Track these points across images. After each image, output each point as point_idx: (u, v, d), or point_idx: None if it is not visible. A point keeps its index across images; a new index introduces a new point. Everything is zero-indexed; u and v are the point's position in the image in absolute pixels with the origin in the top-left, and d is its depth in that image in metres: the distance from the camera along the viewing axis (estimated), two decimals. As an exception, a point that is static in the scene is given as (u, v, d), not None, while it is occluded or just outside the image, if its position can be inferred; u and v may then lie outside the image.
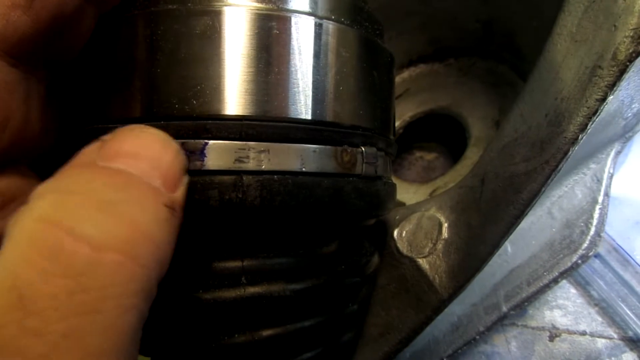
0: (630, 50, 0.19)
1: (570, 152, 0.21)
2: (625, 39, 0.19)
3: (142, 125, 0.19)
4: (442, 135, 0.47)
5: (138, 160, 0.18)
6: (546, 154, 0.22)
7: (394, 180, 0.46)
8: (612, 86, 0.19)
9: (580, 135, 0.20)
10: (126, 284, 0.16)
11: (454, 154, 0.46)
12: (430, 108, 0.46)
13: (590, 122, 0.20)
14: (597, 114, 0.20)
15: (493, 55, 0.43)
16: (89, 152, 0.18)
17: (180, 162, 0.19)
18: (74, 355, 0.14)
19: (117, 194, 0.17)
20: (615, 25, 0.19)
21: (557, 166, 0.21)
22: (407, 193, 0.42)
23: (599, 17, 0.20)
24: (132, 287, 0.16)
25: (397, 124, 0.47)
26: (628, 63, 0.19)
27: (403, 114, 0.47)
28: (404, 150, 0.49)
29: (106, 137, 0.19)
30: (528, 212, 0.23)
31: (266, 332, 0.23)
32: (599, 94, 0.20)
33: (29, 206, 0.16)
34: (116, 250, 0.15)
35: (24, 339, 0.14)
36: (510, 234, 0.24)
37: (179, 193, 0.19)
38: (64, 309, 0.14)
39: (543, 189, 0.22)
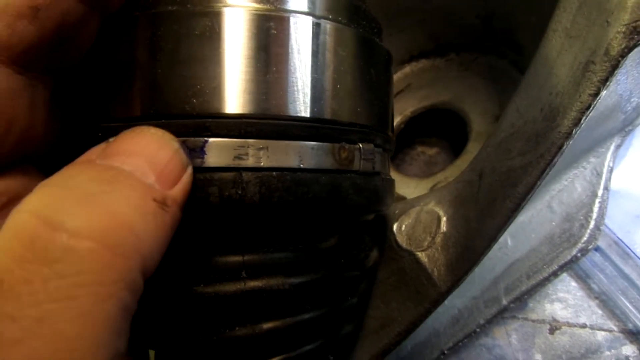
0: (623, 46, 0.19)
1: (564, 146, 0.21)
2: (617, 35, 0.19)
3: (144, 127, 0.20)
4: (444, 130, 0.47)
5: (132, 158, 0.18)
6: (541, 147, 0.22)
7: (395, 175, 0.46)
8: (604, 81, 0.19)
9: (574, 130, 0.21)
10: (102, 272, 0.16)
11: (456, 148, 0.46)
12: (431, 103, 0.46)
13: (584, 117, 0.20)
14: (591, 108, 0.20)
15: (493, 50, 0.43)
16: (92, 151, 0.19)
17: (178, 160, 0.20)
18: (46, 340, 0.15)
19: (100, 187, 0.17)
20: (607, 21, 0.19)
21: (552, 160, 0.21)
22: (407, 188, 0.42)
23: (592, 13, 0.20)
24: (109, 276, 0.16)
25: (399, 119, 0.47)
26: (620, 58, 0.19)
27: (405, 109, 0.47)
28: (406, 145, 0.49)
29: (112, 138, 0.19)
30: (524, 205, 0.24)
31: (266, 325, 0.23)
32: (592, 89, 0.20)
33: (23, 200, 0.17)
34: (91, 238, 0.16)
35: None
36: (507, 227, 0.25)
37: (176, 190, 0.19)
38: (38, 295, 0.15)
39: (539, 183, 0.22)
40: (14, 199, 0.21)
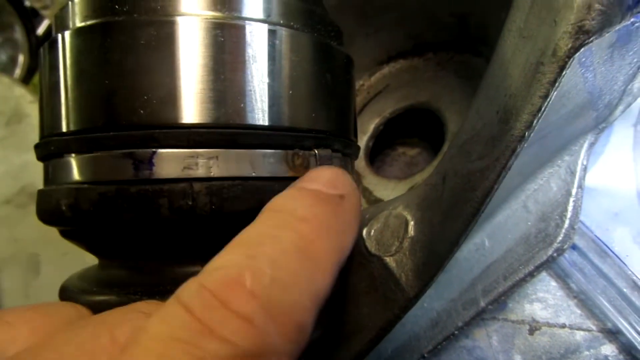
0: (569, 46, 0.19)
1: (518, 149, 0.21)
2: (564, 35, 0.19)
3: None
4: (424, 130, 0.47)
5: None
6: (497, 151, 0.22)
7: (373, 177, 0.46)
8: (553, 83, 0.19)
9: (526, 133, 0.20)
10: None
11: (436, 149, 0.46)
12: (410, 103, 0.46)
13: (536, 120, 0.20)
14: (542, 111, 0.20)
15: (469, 49, 0.42)
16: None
17: None
18: None
19: None
20: (555, 21, 0.19)
21: (506, 163, 0.21)
22: (386, 190, 0.42)
23: (542, 12, 0.20)
24: None
25: (377, 120, 0.47)
26: (567, 59, 0.19)
27: (383, 110, 0.47)
28: (387, 146, 0.49)
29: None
30: (484, 209, 0.23)
31: (225, 336, 0.23)
32: (542, 91, 0.19)
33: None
34: None
35: None
36: (469, 232, 0.24)
37: None
38: None
39: (496, 187, 0.22)
40: None
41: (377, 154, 0.48)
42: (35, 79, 0.86)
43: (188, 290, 0.16)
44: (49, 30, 0.87)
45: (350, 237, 0.20)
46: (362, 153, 0.46)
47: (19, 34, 0.86)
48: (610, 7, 0.18)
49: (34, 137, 0.25)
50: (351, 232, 0.20)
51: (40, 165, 0.25)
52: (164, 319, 0.16)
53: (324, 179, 0.20)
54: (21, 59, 0.86)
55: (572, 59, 0.18)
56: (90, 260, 0.27)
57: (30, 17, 0.84)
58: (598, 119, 0.33)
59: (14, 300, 0.48)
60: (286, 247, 0.17)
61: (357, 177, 0.43)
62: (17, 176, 0.56)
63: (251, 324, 0.15)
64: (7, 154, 0.59)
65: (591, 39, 0.18)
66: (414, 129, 0.48)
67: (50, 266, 0.48)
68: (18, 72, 0.86)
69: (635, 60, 0.30)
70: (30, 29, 0.85)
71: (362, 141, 0.46)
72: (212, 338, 0.14)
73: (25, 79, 0.84)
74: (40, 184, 0.25)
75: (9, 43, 0.88)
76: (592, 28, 0.18)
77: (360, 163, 0.45)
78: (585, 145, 0.33)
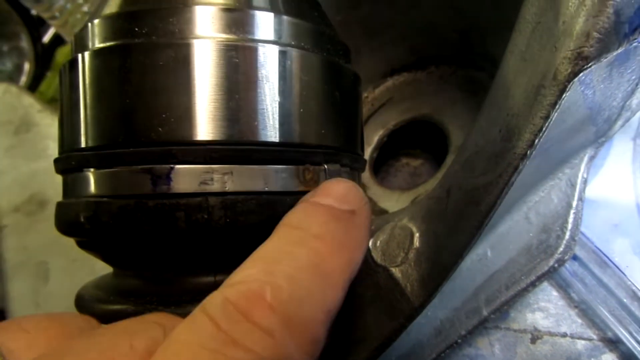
0: (569, 71, 0.20)
1: (520, 167, 0.22)
2: (563, 60, 0.20)
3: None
4: (427, 141, 0.48)
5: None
6: (500, 168, 0.23)
7: (377, 188, 0.47)
8: (554, 105, 0.20)
9: (528, 151, 0.21)
10: None
11: (440, 160, 0.47)
12: (413, 116, 0.46)
13: (537, 139, 0.21)
14: (543, 131, 0.21)
15: (471, 63, 0.43)
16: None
17: None
18: None
19: None
20: (555, 47, 0.20)
21: (509, 180, 0.22)
22: (389, 201, 0.43)
23: (543, 37, 0.21)
24: None
25: (381, 132, 0.48)
26: (567, 83, 0.20)
27: (387, 122, 0.47)
28: (391, 157, 0.50)
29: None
30: (487, 223, 0.24)
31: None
32: (543, 112, 0.20)
33: None
34: None
35: None
36: (473, 244, 0.25)
37: None
38: None
39: (499, 202, 0.23)
40: None
41: (381, 165, 0.49)
42: (42, 87, 0.87)
43: (213, 303, 0.17)
44: (54, 39, 0.88)
45: (360, 252, 0.21)
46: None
47: (25, 42, 0.87)
48: (607, 35, 0.19)
49: (43, 145, 0.26)
50: (361, 248, 0.21)
51: (49, 174, 0.26)
52: (192, 329, 0.17)
53: (337, 194, 0.21)
54: (27, 66, 0.88)
55: (571, 82, 0.19)
56: (99, 267, 0.28)
57: (37, 26, 0.85)
58: (598, 133, 0.34)
59: (24, 307, 0.48)
60: (302, 264, 0.18)
61: (362, 188, 0.44)
62: (26, 184, 0.57)
63: (271, 336, 0.16)
64: (16, 162, 0.60)
65: (589, 64, 0.19)
66: (417, 140, 0.48)
67: (60, 273, 0.49)
68: (24, 79, 0.87)
69: (633, 77, 0.31)
70: (36, 38, 0.86)
71: (367, 152, 0.47)
72: (237, 347, 0.15)
73: (31, 87, 0.85)
74: (48, 192, 0.26)
75: (15, 51, 0.89)
76: (590, 54, 0.19)
77: (365, 174, 0.46)
78: (586, 159, 0.34)
